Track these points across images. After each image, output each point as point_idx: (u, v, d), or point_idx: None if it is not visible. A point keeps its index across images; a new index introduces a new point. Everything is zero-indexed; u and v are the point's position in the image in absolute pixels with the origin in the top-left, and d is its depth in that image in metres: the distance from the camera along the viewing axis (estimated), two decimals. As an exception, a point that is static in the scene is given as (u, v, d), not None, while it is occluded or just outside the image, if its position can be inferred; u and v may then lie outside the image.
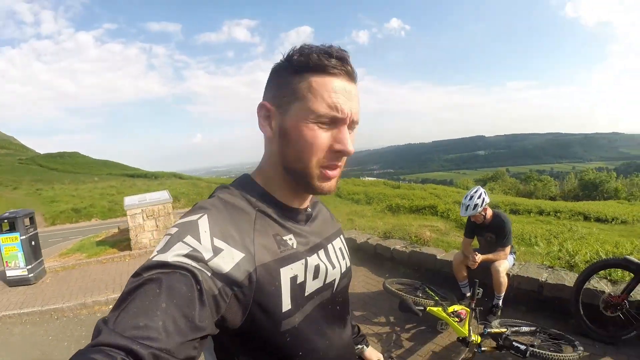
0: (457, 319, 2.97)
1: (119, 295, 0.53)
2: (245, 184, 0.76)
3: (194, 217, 0.63)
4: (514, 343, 2.58)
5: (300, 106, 0.67)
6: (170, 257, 0.55)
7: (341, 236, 0.93)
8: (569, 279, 3.45)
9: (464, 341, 2.75)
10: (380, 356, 1.16)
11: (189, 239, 0.58)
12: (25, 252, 6.54)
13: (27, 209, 7.29)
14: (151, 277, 0.52)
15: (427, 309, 3.10)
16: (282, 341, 0.67)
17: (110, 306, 5.31)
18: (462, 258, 3.77)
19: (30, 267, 6.61)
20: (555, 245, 5.44)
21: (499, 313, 3.52)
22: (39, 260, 6.96)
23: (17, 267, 6.56)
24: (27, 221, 6.80)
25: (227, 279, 0.58)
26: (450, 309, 3.07)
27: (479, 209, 3.46)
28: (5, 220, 6.58)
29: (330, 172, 0.70)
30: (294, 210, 0.77)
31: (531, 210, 13.14)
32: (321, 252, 0.79)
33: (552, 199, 29.03)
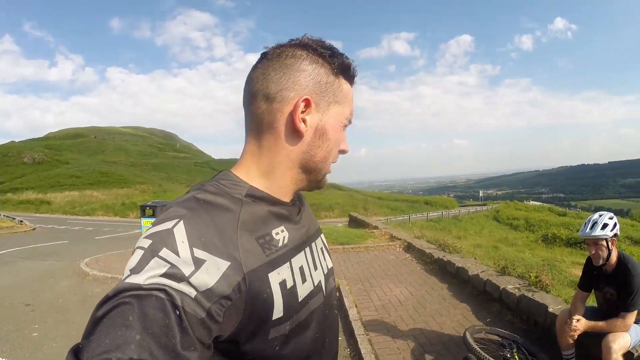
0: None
1: (88, 320, 0.46)
2: (227, 179, 0.67)
3: (168, 225, 0.53)
4: None
5: (338, 110, 0.70)
6: (144, 278, 0.48)
7: (322, 235, 0.86)
8: None
9: None
10: None
11: (164, 252, 0.50)
12: None
13: (166, 201, 9.08)
14: (124, 301, 0.45)
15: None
16: (271, 350, 0.60)
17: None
18: (568, 317, 2.69)
19: None
20: None
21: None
22: None
23: None
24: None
25: (214, 295, 0.50)
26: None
27: (607, 232, 2.44)
28: (148, 207, 8.37)
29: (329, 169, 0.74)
30: (284, 203, 0.71)
31: None
32: (305, 251, 0.72)
33: None
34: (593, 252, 2.51)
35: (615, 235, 2.49)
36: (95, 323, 0.45)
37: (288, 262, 0.65)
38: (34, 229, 17.80)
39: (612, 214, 2.54)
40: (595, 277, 2.64)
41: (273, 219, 0.66)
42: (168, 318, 0.45)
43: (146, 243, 0.52)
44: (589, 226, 2.50)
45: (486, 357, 2.63)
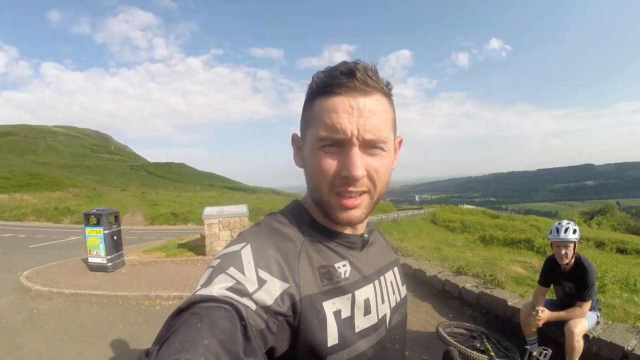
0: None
1: (160, 329, 0.50)
2: (295, 210, 0.74)
3: (236, 247, 0.61)
4: None
5: (310, 132, 0.65)
6: (213, 291, 0.53)
7: (395, 268, 0.86)
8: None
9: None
10: None
11: (232, 270, 0.56)
12: (106, 244, 7.38)
13: (113, 209, 8.32)
14: (194, 311, 0.51)
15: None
16: None
17: (171, 302, 5.68)
18: (531, 309, 3.07)
19: (109, 257, 7.42)
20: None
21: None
22: (118, 253, 7.76)
23: (98, 256, 7.45)
24: (111, 218, 7.69)
25: (272, 311, 0.56)
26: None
27: (576, 236, 2.86)
28: (93, 216, 7.62)
29: (347, 202, 0.64)
30: (347, 236, 0.72)
31: (642, 249, 11.41)
32: (372, 285, 0.73)
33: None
34: (562, 252, 2.89)
35: (578, 235, 2.91)
36: (167, 330, 0.49)
37: (350, 294, 0.67)
38: None
39: (574, 223, 2.98)
40: (556, 274, 3.04)
41: (333, 252, 0.69)
42: (235, 327, 0.50)
43: (216, 262, 0.59)
44: (562, 231, 2.88)
45: (463, 349, 2.87)
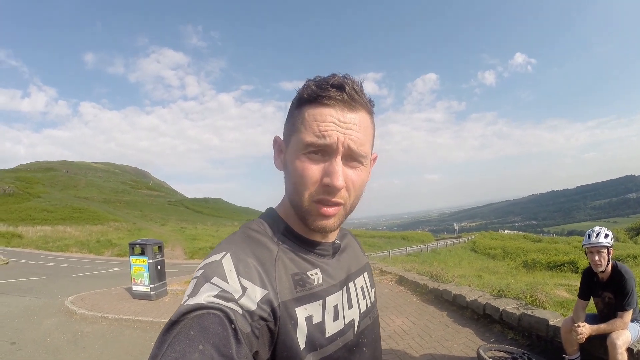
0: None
1: (154, 345, 0.54)
2: (269, 218, 0.76)
3: (217, 257, 0.63)
4: None
5: (295, 139, 0.67)
6: (201, 299, 0.56)
7: (365, 273, 0.88)
8: None
9: None
10: None
11: (215, 280, 0.59)
12: (150, 273, 7.71)
13: (157, 240, 8.65)
14: (185, 322, 0.53)
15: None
16: None
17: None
18: (572, 325, 2.96)
19: (153, 286, 7.73)
20: None
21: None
22: (162, 282, 8.06)
23: (142, 284, 7.79)
24: (155, 249, 8.02)
25: (256, 316, 0.58)
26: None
27: (609, 241, 2.79)
28: (137, 246, 8.01)
29: (325, 209, 0.66)
30: (318, 244, 0.75)
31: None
32: (343, 291, 0.76)
33: None
34: (596, 258, 2.82)
35: (612, 241, 2.85)
36: (161, 345, 0.52)
37: (320, 300, 0.69)
38: (7, 262, 16.79)
39: (607, 229, 2.91)
40: (594, 284, 2.96)
41: (305, 261, 0.71)
42: (225, 331, 0.53)
43: (199, 272, 0.61)
44: (594, 236, 2.84)
45: None
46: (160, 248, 8.19)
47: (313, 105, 0.65)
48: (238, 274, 0.60)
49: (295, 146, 0.67)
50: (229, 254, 0.62)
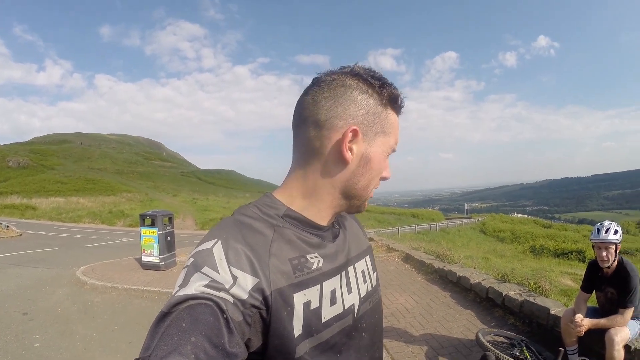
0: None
1: (146, 337, 0.54)
2: (265, 203, 0.73)
3: (208, 245, 0.62)
4: None
5: (384, 140, 0.73)
6: (192, 289, 0.55)
7: (367, 257, 0.87)
8: None
9: None
10: None
11: (206, 269, 0.58)
12: (160, 244, 7.89)
13: (167, 211, 8.75)
14: (177, 313, 0.53)
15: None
16: None
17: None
18: (571, 317, 2.96)
19: (162, 257, 7.92)
20: None
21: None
22: (171, 253, 8.25)
23: (152, 255, 7.98)
24: (166, 220, 8.15)
25: (248, 304, 0.58)
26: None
27: (618, 237, 2.77)
28: (148, 217, 8.13)
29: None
30: (320, 227, 0.74)
31: None
32: (341, 275, 0.74)
33: None
34: (604, 254, 2.80)
35: (621, 237, 2.81)
36: (153, 336, 0.52)
37: (318, 285, 0.68)
38: (20, 234, 17.29)
39: (617, 224, 2.86)
40: (598, 278, 2.94)
41: (305, 243, 0.70)
42: (217, 321, 0.53)
43: (190, 261, 0.60)
44: (603, 231, 2.80)
45: (502, 355, 2.83)
46: (170, 219, 8.32)
47: (396, 112, 0.75)
48: (229, 262, 0.59)
49: (382, 147, 0.73)
50: (219, 242, 0.62)
